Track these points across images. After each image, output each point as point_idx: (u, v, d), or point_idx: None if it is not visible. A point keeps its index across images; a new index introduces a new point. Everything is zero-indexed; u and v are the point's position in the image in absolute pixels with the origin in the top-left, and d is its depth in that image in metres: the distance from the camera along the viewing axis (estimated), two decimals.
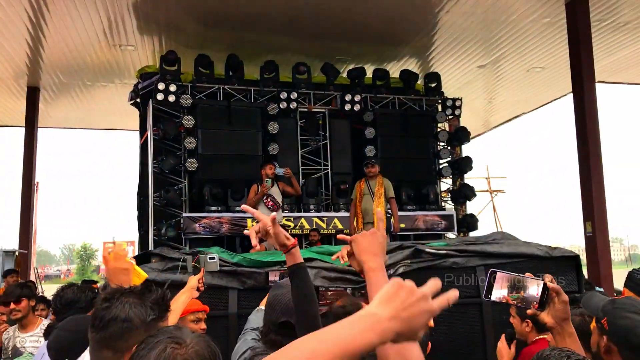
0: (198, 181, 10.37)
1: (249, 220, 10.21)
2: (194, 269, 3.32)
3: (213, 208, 10.17)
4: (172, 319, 1.87)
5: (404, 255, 3.98)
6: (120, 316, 1.67)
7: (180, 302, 3.03)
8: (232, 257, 4.02)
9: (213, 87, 10.78)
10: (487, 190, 31.51)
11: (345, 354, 1.01)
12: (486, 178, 33.33)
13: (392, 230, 7.98)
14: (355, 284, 3.93)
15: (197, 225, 9.98)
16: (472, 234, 11.97)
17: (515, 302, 1.80)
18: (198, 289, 3.13)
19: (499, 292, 1.80)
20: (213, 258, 3.30)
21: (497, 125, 18.88)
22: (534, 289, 1.82)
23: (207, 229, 10.01)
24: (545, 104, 16.76)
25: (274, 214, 2.04)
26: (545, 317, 1.87)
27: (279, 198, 8.00)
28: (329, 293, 3.98)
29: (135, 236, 12.24)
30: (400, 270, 3.90)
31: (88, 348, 1.75)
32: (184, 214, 10.12)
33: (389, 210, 7.94)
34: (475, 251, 4.05)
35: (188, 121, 10.11)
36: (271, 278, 3.63)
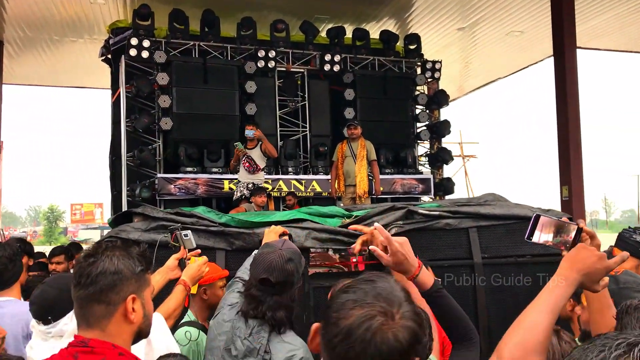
0: (173, 141, 10.10)
1: (226, 182, 10.03)
2: (172, 248, 3.10)
3: (189, 169, 9.95)
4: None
5: (396, 217, 3.86)
6: (110, 269, 1.59)
7: (154, 282, 2.78)
8: (220, 217, 3.85)
9: (188, 44, 10.42)
10: (459, 155, 31.70)
11: (554, 314, 1.38)
12: (459, 143, 33.53)
13: (373, 192, 7.89)
14: (346, 245, 3.82)
15: (172, 186, 9.76)
16: (447, 197, 12.02)
17: (555, 244, 1.76)
18: (180, 268, 2.91)
19: (542, 236, 1.77)
20: (187, 235, 3.09)
21: (472, 90, 18.82)
22: (571, 233, 1.76)
23: (183, 191, 9.80)
24: (522, 68, 16.73)
25: (376, 224, 1.90)
26: None
27: (259, 160, 7.80)
28: (314, 255, 3.89)
29: (104, 198, 11.98)
30: (393, 231, 3.79)
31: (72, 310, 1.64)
32: (159, 175, 9.87)
33: (371, 173, 7.83)
34: (468, 213, 3.95)
35: (162, 79, 9.78)
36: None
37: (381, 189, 8.41)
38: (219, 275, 3.20)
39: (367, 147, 7.80)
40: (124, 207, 9.67)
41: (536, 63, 15.72)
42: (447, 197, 11.94)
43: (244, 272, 2.75)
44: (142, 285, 1.67)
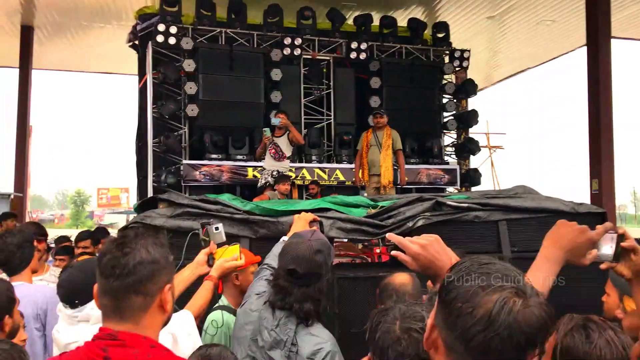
0: (198, 128, 10.12)
1: (250, 170, 10.03)
2: (203, 242, 3.05)
3: (214, 156, 9.97)
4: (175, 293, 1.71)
5: (424, 208, 3.79)
6: (147, 258, 1.54)
7: (183, 278, 2.68)
8: (244, 204, 3.83)
9: (215, 31, 10.40)
10: (486, 146, 31.25)
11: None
12: (485, 133, 33.04)
13: (398, 182, 7.81)
14: (371, 236, 3.77)
15: (197, 172, 9.79)
16: (474, 189, 11.86)
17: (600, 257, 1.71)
18: (209, 264, 2.86)
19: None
20: (218, 228, 3.03)
21: (501, 80, 18.52)
22: (607, 246, 1.68)
23: (208, 177, 9.83)
24: (552, 59, 16.40)
25: (388, 234, 1.85)
26: (623, 269, 1.73)
27: (286, 148, 7.78)
28: (337, 245, 3.83)
29: (130, 182, 12.08)
30: (420, 222, 3.73)
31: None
32: (184, 161, 9.90)
33: (396, 163, 7.75)
34: (498, 205, 3.86)
35: (189, 65, 9.78)
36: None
37: (406, 179, 8.34)
38: (251, 260, 3.19)
39: (393, 136, 7.71)
40: (150, 193, 9.74)
41: (567, 53, 15.39)
42: (472, 188, 11.79)
43: (272, 259, 2.73)
44: (173, 273, 1.66)
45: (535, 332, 1.03)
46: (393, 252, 1.79)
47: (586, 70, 9.84)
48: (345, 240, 3.85)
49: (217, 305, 3.06)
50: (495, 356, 1.02)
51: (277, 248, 2.81)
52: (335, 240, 3.76)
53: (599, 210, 3.96)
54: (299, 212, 3.87)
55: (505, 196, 4.09)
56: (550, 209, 3.90)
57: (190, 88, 9.79)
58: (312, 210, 3.88)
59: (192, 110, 9.79)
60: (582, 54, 13.98)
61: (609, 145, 9.55)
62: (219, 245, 2.95)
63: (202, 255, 2.85)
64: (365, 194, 7.63)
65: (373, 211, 3.94)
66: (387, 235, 1.81)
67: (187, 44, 9.85)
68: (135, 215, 3.94)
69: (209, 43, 10.33)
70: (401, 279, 2.58)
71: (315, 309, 2.30)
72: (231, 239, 3.76)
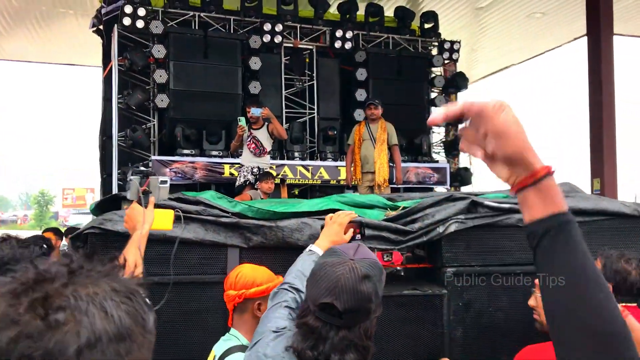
0: (169, 120, 9.21)
1: (226, 167, 9.18)
2: (142, 197, 2.39)
3: (186, 151, 9.09)
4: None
5: (457, 209, 3.05)
6: (102, 333, 0.75)
7: (134, 254, 2.16)
8: (234, 205, 3.01)
9: (187, 15, 9.51)
10: None
11: None
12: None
13: (394, 180, 7.05)
14: (393, 245, 2.98)
15: (167, 170, 8.88)
16: (463, 189, 11.20)
17: None
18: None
19: None
20: (165, 182, 2.42)
21: (486, 76, 17.95)
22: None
23: (179, 175, 8.93)
24: (538, 55, 15.89)
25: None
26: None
27: (266, 142, 6.95)
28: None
29: (95, 182, 11.09)
30: (453, 227, 2.98)
31: None
32: (153, 157, 9.01)
33: (391, 159, 6.98)
34: None
35: (158, 51, 8.89)
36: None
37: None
38: (275, 284, 2.38)
39: (388, 129, 6.94)
40: (115, 192, 8.81)
41: (559, 46, 14.86)
42: (462, 188, 11.12)
43: (295, 276, 1.94)
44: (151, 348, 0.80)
45: None
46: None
47: (587, 64, 9.23)
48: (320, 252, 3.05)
49: (230, 344, 2.27)
50: None
51: (302, 262, 2.03)
52: None
53: (636, 214, 3.24)
54: (302, 214, 3.07)
55: None
56: (610, 211, 3.18)
57: (160, 76, 8.90)
58: (319, 212, 3.08)
59: (162, 101, 8.90)
60: (577, 46, 13.53)
61: (611, 142, 8.96)
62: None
63: (140, 214, 2.30)
64: (357, 194, 6.83)
65: (393, 213, 3.15)
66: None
67: (156, 28, 8.96)
68: (93, 219, 3.10)
69: (180, 28, 9.44)
70: None
71: None
72: (216, 249, 2.94)
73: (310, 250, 2.13)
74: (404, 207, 3.18)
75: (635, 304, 2.65)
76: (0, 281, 0.77)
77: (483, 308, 3.12)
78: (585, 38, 9.68)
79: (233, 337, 2.35)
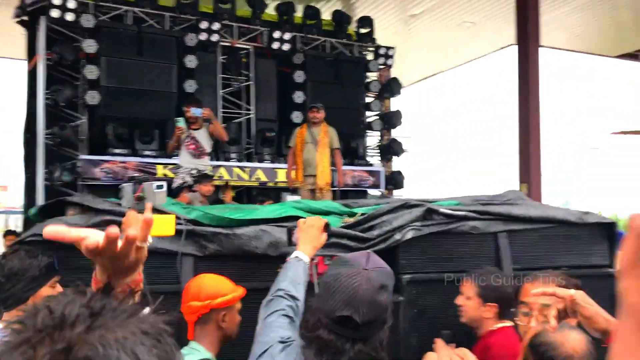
0: (100, 118, 8.83)
1: (160, 167, 8.91)
2: (136, 203, 2.29)
3: (117, 151, 8.74)
4: None
5: (413, 216, 3.08)
6: None
7: None
8: (188, 211, 2.90)
9: (120, 9, 9.16)
10: None
11: None
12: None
13: (336, 184, 7.07)
14: (353, 252, 2.96)
15: (97, 169, 8.52)
16: (396, 192, 11.40)
17: None
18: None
19: None
20: (161, 187, 2.32)
21: (416, 82, 18.37)
22: None
23: (110, 175, 8.58)
24: (466, 62, 16.44)
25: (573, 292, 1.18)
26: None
27: (205, 142, 6.77)
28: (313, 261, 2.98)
29: (8, 179, 10.45)
30: (409, 235, 3.00)
31: None
32: (82, 156, 8.60)
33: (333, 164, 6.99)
34: (499, 213, 3.21)
35: (90, 46, 8.50)
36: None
37: (327, 181, 7.59)
38: (240, 294, 2.29)
39: (330, 133, 6.95)
40: (40, 192, 8.37)
41: (486, 55, 15.43)
42: (395, 191, 11.32)
43: (289, 282, 1.87)
44: None
45: None
46: None
47: (516, 72, 9.63)
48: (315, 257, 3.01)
49: (195, 358, 2.18)
50: None
51: (294, 268, 1.96)
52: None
53: (608, 221, 3.41)
54: (260, 221, 3.00)
55: (502, 203, 3.45)
56: (557, 219, 3.30)
57: (91, 72, 8.52)
58: (277, 219, 3.02)
59: (93, 97, 8.51)
60: (504, 55, 14.08)
61: (538, 148, 9.39)
62: (154, 211, 2.28)
63: (135, 218, 2.11)
64: (298, 197, 6.79)
65: (351, 220, 3.14)
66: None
67: (87, 21, 8.57)
68: (35, 226, 2.90)
69: (113, 22, 9.08)
70: (575, 342, 1.66)
71: None
72: (169, 258, 2.82)
73: (297, 257, 2.07)
74: (363, 214, 3.17)
75: (511, 324, 2.67)
76: (9, 328, 0.64)
77: (437, 314, 3.16)
78: (512, 48, 10.12)
79: (194, 350, 2.26)
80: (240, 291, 2.38)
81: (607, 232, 3.38)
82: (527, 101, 9.36)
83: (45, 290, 2.16)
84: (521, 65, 9.54)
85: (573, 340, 1.56)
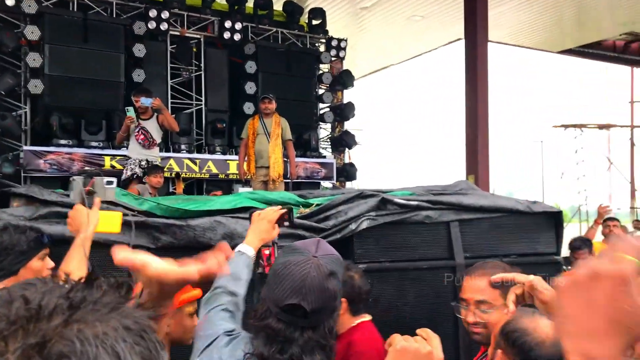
0: (44, 108, 8.52)
1: (107, 158, 8.70)
2: (86, 198, 2.27)
3: (63, 142, 8.47)
4: None
5: (368, 206, 3.10)
6: None
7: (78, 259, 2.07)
8: (140, 203, 2.84)
9: None
10: None
11: None
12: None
13: (288, 175, 7.04)
14: None
15: (41, 161, 8.24)
16: (349, 184, 11.48)
17: None
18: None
19: None
20: (111, 182, 2.32)
21: (366, 75, 18.50)
22: None
23: (55, 167, 8.31)
24: (416, 56, 16.65)
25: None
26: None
27: (155, 133, 6.62)
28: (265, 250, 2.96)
29: None
30: (364, 224, 3.03)
31: None
32: (25, 147, 8.30)
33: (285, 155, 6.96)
34: (451, 203, 3.27)
35: (32, 33, 8.20)
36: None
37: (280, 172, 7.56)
38: (192, 296, 2.20)
39: (282, 124, 6.92)
40: None
41: (436, 49, 15.66)
42: (348, 183, 11.40)
43: (229, 280, 1.83)
44: None
45: None
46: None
47: (464, 66, 9.79)
48: (268, 249, 2.99)
49: None
50: None
51: (234, 263, 1.91)
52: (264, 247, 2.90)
53: (555, 210, 3.52)
54: (214, 212, 2.96)
55: (453, 192, 3.51)
56: (506, 208, 3.39)
57: (34, 60, 8.20)
58: (231, 210, 2.99)
59: (36, 86, 8.21)
60: (453, 49, 14.30)
61: (485, 140, 9.58)
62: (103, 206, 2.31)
63: (84, 215, 2.15)
64: (250, 189, 6.74)
65: (306, 211, 3.15)
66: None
67: (29, 7, 8.24)
68: None
69: (57, 9, 8.76)
70: (547, 328, 1.60)
71: None
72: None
73: (240, 251, 2.04)
74: (318, 204, 3.18)
75: (370, 318, 2.61)
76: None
77: (392, 303, 3.21)
78: (461, 42, 10.30)
79: None
80: (191, 294, 2.26)
81: (553, 221, 3.49)
82: (475, 94, 9.53)
83: (35, 263, 2.15)
84: (469, 58, 9.71)
85: (544, 326, 1.58)
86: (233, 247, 2.92)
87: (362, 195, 3.23)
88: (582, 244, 5.19)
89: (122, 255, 0.92)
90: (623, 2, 12.53)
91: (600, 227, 6.42)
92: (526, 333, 1.60)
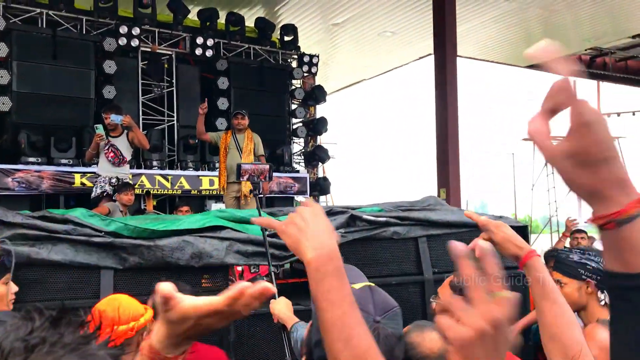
0: (12, 125, 8.41)
1: (77, 176, 8.58)
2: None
3: (31, 159, 8.35)
4: None
5: (337, 223, 3.12)
6: None
7: None
8: (107, 223, 2.81)
9: (34, 12, 8.78)
10: None
11: None
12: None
13: (261, 191, 7.02)
14: (277, 260, 2.98)
15: (9, 179, 8.11)
16: (322, 198, 11.52)
17: None
18: None
19: None
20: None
21: (338, 90, 18.63)
22: None
23: (24, 185, 8.19)
24: (387, 71, 16.84)
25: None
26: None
27: (125, 150, 6.58)
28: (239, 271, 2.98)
29: None
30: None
31: None
32: None
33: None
34: (419, 219, 3.32)
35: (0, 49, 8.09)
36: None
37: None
38: (145, 321, 2.15)
39: (255, 139, 6.94)
40: None
41: (406, 64, 15.86)
42: (321, 197, 11.44)
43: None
44: None
45: None
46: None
47: (434, 81, 9.94)
48: (240, 266, 3.00)
49: None
50: None
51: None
52: (237, 267, 2.91)
53: (520, 224, 3.59)
54: (183, 232, 2.95)
55: (421, 208, 3.56)
56: (473, 223, 3.44)
57: (1, 77, 8.12)
58: (201, 229, 2.98)
59: (4, 103, 8.12)
60: (423, 64, 14.49)
61: (456, 154, 9.72)
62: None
63: None
64: (222, 205, 6.73)
65: None
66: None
67: None
68: None
69: (25, 26, 8.67)
70: (432, 343, 1.66)
71: None
72: (88, 271, 2.72)
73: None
74: None
75: None
76: None
77: None
78: (431, 57, 10.45)
79: None
80: (143, 321, 2.18)
81: (519, 235, 3.55)
82: (445, 109, 9.68)
83: None
84: (439, 73, 9.87)
85: (430, 340, 1.60)
86: (202, 266, 2.92)
87: (331, 212, 3.25)
88: (547, 259, 5.27)
89: (167, 288, 0.85)
90: (587, 19, 12.88)
91: (568, 240, 6.55)
92: (412, 347, 1.62)
